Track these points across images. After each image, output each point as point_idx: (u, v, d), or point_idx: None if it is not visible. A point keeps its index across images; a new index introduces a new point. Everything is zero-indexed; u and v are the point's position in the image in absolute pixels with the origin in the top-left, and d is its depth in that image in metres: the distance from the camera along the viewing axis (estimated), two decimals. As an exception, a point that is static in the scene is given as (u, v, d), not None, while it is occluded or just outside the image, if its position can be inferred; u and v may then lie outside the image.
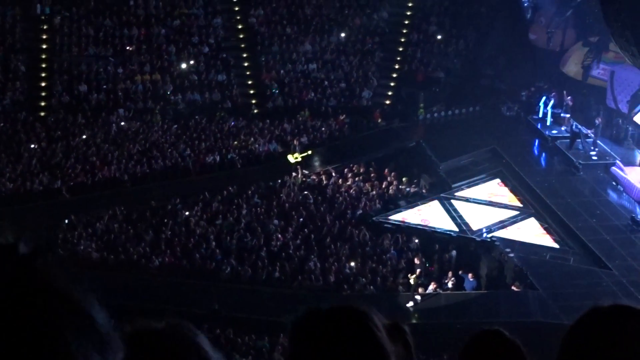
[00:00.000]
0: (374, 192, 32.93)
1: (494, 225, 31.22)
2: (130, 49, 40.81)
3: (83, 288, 1.15)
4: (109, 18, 41.71)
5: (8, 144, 35.17)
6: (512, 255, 28.84)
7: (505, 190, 34.20)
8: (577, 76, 39.42)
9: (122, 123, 37.14)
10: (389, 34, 43.95)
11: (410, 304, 26.38)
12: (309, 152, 35.28)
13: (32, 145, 35.08)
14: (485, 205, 32.95)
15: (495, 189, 34.29)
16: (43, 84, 39.28)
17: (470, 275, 27.95)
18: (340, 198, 32.27)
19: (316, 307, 1.90)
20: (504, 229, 31.10)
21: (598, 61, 38.36)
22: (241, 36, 43.02)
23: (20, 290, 1.08)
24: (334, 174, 34.27)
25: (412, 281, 27.13)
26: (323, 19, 43.84)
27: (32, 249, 1.17)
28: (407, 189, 33.52)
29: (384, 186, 33.51)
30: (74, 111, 37.64)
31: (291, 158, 34.64)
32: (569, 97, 37.42)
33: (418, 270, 27.45)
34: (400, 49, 43.29)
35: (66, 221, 30.61)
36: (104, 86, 39.09)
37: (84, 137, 35.81)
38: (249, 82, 41.16)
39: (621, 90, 36.89)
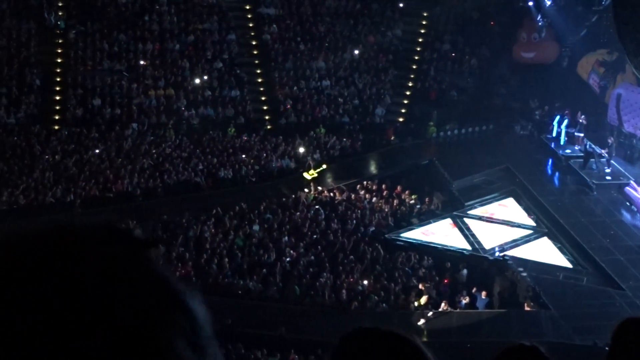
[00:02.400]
0: (387, 210, 32.92)
1: (506, 244, 31.16)
2: (145, 63, 41.01)
3: (188, 288, 1.13)
4: (123, 33, 41.99)
5: (22, 157, 35.33)
6: (524, 274, 28.75)
7: (517, 209, 34.17)
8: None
9: (136, 137, 37.26)
10: (403, 52, 44.08)
11: (422, 322, 26.29)
12: (324, 166, 35.28)
13: (46, 158, 35.22)
14: (498, 224, 32.90)
15: (506, 208, 34.27)
16: (57, 98, 39.51)
17: (483, 293, 27.88)
18: (353, 215, 32.26)
19: (369, 327, 1.87)
20: (517, 248, 31.04)
21: (613, 81, 38.50)
22: (255, 52, 43.23)
23: (126, 273, 1.06)
24: (346, 191, 34.27)
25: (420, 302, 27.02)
26: (337, 36, 44.03)
27: (148, 239, 1.17)
28: (420, 207, 33.51)
29: (396, 203, 33.50)
30: (88, 125, 37.80)
31: (307, 175, 34.66)
32: (582, 116, 37.41)
33: (425, 297, 27.25)
34: (414, 67, 43.41)
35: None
36: (118, 100, 39.26)
37: (97, 151, 35.93)
38: (262, 98, 41.29)
39: (629, 111, 36.85)
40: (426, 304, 27.03)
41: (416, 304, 27.04)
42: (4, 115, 37.89)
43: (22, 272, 0.99)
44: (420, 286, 27.87)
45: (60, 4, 42.43)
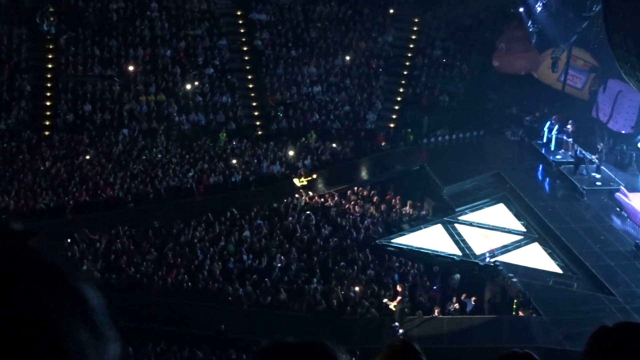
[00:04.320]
0: (377, 215, 32.95)
1: (497, 249, 31.21)
2: (136, 69, 40.96)
3: (79, 273, 1.11)
4: (114, 38, 41.94)
5: (12, 162, 35.25)
6: (515, 280, 28.80)
7: (508, 214, 34.24)
8: (555, 85, 40.06)
9: (127, 143, 37.22)
10: (394, 58, 44.14)
11: (399, 329, 26.25)
12: (314, 175, 35.35)
13: (36, 164, 35.15)
14: (489, 230, 32.96)
15: (497, 213, 34.34)
16: (48, 103, 39.44)
17: (472, 299, 27.92)
18: (343, 221, 32.28)
19: (284, 339, 1.83)
20: (508, 253, 31.09)
21: (567, 65, 38.92)
22: (246, 58, 43.22)
23: (5, 264, 1.04)
24: (336, 197, 34.28)
25: (392, 307, 26.89)
26: (328, 42, 44.06)
27: (28, 229, 1.14)
28: (411, 212, 33.54)
29: (386, 209, 33.53)
30: (79, 131, 37.75)
31: (297, 182, 34.71)
32: (570, 122, 37.52)
33: (399, 298, 27.15)
34: (405, 73, 43.47)
35: (68, 240, 30.57)
36: (109, 106, 39.20)
37: (88, 157, 35.85)
38: (254, 104, 41.30)
39: (622, 109, 37.08)
40: (399, 307, 26.84)
41: (391, 306, 26.90)
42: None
43: None
44: (398, 287, 27.74)
45: (51, 10, 42.29)
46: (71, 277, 1.06)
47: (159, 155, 36.52)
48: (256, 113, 40.96)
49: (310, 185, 34.93)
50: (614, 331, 2.03)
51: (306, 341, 1.80)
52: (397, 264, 29.86)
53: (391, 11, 45.77)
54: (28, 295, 0.98)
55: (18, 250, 1.06)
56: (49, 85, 40.21)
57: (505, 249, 31.48)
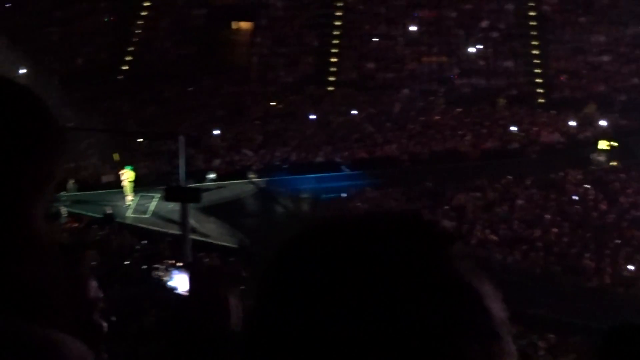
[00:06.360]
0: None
1: None
2: (420, 29, 41.30)
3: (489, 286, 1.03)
4: (400, -2, 42.49)
5: (294, 116, 36.87)
6: None
7: None
8: None
9: (406, 102, 37.76)
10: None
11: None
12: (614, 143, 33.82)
13: (311, 117, 36.49)
14: None
15: None
16: (333, 60, 40.72)
17: None
18: (625, 197, 30.91)
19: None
20: None
21: None
22: (532, 23, 42.26)
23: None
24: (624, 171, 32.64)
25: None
26: (620, 10, 42.03)
27: (452, 232, 1.06)
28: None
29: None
30: (360, 88, 38.74)
31: (602, 144, 33.46)
32: None
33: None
34: None
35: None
36: (391, 65, 39.85)
37: (367, 114, 36.73)
38: (536, 71, 40.39)
39: None
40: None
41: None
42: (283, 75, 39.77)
43: (333, 260, 0.98)
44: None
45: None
46: (483, 294, 0.99)
47: (437, 117, 36.71)
48: (538, 80, 40.04)
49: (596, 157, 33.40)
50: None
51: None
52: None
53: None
54: (441, 309, 0.95)
55: (442, 256, 1.00)
56: (335, 42, 41.46)
57: None
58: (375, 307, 0.92)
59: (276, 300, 0.98)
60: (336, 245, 0.99)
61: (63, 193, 29.37)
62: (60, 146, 1.48)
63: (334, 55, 41.02)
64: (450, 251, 1.00)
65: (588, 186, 31.59)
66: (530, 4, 42.89)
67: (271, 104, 38.63)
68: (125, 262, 23.89)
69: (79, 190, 31.32)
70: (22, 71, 36.46)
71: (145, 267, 23.47)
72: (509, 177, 32.30)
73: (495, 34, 41.33)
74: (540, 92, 39.44)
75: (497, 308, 0.99)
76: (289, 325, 0.95)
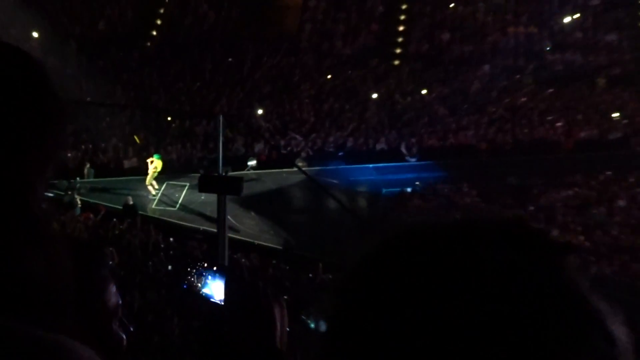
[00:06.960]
0: None
1: None
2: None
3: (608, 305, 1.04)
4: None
5: (347, 94, 36.87)
6: None
7: None
8: None
9: (487, 81, 37.49)
10: None
11: None
12: None
13: (373, 96, 36.45)
14: None
15: None
16: (400, 29, 40.53)
17: None
18: None
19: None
20: None
21: None
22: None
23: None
24: None
25: None
26: None
27: (565, 243, 1.07)
28: None
29: None
30: (433, 62, 38.53)
31: None
32: None
33: None
34: None
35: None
36: (470, 37, 39.56)
37: (439, 93, 36.57)
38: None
39: None
40: None
41: None
42: (340, 46, 39.70)
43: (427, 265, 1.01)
44: None
45: None
46: (602, 313, 1.01)
47: (524, 99, 36.41)
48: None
49: None
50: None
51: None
52: None
53: None
54: (554, 325, 0.97)
55: (554, 269, 1.02)
56: (403, 7, 41.27)
57: None
58: (485, 326, 0.95)
59: (370, 318, 1.00)
60: (439, 255, 1.02)
61: (78, 179, 29.63)
62: (58, 121, 1.48)
63: (402, 23, 40.78)
64: (565, 265, 1.03)
65: None
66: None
67: (326, 78, 38.60)
68: (149, 263, 24.04)
69: (96, 177, 31.64)
70: (35, 35, 36.94)
71: (171, 268, 23.59)
72: (609, 172, 31.98)
73: (595, 1, 40.81)
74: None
75: (620, 332, 1.01)
76: (389, 348, 0.97)
